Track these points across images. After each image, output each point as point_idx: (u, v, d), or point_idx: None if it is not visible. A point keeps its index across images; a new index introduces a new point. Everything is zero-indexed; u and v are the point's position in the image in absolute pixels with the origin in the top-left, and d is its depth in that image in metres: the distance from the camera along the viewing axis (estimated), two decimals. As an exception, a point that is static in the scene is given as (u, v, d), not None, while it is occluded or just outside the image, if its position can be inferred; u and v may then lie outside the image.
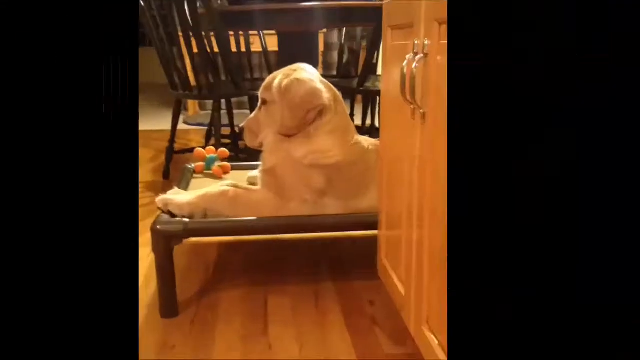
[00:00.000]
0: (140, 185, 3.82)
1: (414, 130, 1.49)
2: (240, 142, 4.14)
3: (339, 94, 2.31)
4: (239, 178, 2.57)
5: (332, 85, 2.29)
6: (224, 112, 4.49)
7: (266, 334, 1.98)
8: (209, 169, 2.77)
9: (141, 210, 3.20)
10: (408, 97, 1.46)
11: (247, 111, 4.64)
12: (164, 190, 2.29)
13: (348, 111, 2.44)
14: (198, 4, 3.46)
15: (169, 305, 2.09)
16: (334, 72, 7.11)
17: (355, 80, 3.93)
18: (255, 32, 4.83)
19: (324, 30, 7.02)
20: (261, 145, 2.35)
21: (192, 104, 7.29)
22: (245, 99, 4.87)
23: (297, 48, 3.87)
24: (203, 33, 3.56)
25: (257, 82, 4.01)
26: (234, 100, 4.85)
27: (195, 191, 2.23)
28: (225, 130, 4.56)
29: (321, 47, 6.96)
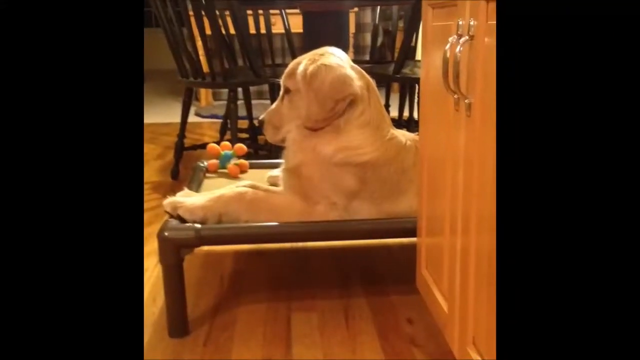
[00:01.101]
0: (145, 186, 3.85)
1: (458, 123, 1.50)
2: (259, 137, 4.17)
3: (372, 81, 2.31)
4: (258, 178, 2.59)
5: (364, 72, 2.30)
6: (240, 102, 4.51)
7: (289, 356, 1.98)
8: (224, 167, 2.79)
9: (147, 215, 3.22)
10: (451, 85, 1.46)
11: (268, 101, 4.66)
12: (173, 191, 2.31)
13: (383, 101, 2.44)
14: (211, -21, 3.48)
15: (178, 324, 2.10)
16: (367, 57, 7.12)
17: (391, 66, 3.93)
18: (277, 11, 4.85)
19: (355, 9, 7.03)
20: (284, 140, 2.36)
21: (204, 93, 7.33)
22: (266, 87, 4.90)
23: (324, 29, 3.89)
24: (217, 12, 3.57)
25: (278, 68, 4.04)
26: (252, 88, 4.87)
27: (208, 193, 2.24)
28: (243, 123, 4.59)
29: (352, 28, 6.97)
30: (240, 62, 4.62)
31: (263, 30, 4.57)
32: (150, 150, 4.84)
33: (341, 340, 2.06)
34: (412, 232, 2.05)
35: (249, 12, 4.54)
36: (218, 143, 2.90)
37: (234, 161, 2.78)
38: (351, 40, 6.68)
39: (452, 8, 1.54)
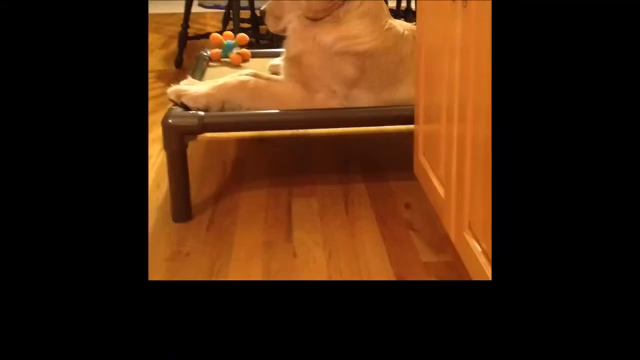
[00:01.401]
0: (150, 75, 3.82)
1: (454, 12, 1.48)
2: (261, 27, 4.13)
3: (371, -29, 2.28)
4: (259, 66, 2.57)
5: (364, -39, 2.26)
6: (243, -9, 4.45)
7: (290, 241, 2.02)
8: (227, 57, 2.77)
9: (151, 103, 3.20)
10: (449, -26, 1.44)
11: (269, -9, 4.59)
12: (177, 80, 2.30)
13: (382, -9, 2.41)
14: None
15: (182, 209, 2.13)
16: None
17: (391, -45, 3.87)
18: None
19: None
20: (285, 30, 2.34)
21: (207, -17, 7.23)
22: (267, -24, 4.81)
23: None
24: None
25: (280, -43, 3.96)
26: (254, -22, 4.79)
27: (211, 81, 2.24)
28: (245, 14, 4.53)
29: None
30: (242, -49, 4.55)
31: None
32: (154, 39, 4.79)
33: (341, 224, 2.09)
34: (409, 120, 2.05)
35: None
36: (221, 33, 2.87)
37: (236, 50, 2.76)
38: None
39: None
